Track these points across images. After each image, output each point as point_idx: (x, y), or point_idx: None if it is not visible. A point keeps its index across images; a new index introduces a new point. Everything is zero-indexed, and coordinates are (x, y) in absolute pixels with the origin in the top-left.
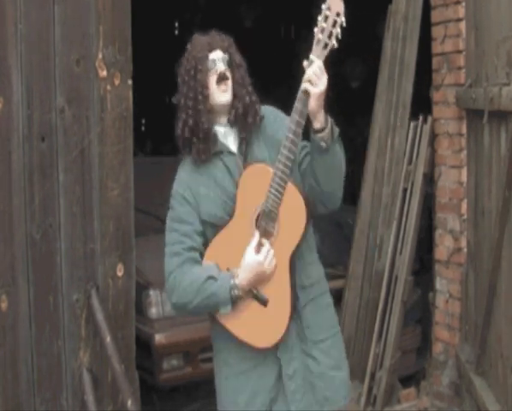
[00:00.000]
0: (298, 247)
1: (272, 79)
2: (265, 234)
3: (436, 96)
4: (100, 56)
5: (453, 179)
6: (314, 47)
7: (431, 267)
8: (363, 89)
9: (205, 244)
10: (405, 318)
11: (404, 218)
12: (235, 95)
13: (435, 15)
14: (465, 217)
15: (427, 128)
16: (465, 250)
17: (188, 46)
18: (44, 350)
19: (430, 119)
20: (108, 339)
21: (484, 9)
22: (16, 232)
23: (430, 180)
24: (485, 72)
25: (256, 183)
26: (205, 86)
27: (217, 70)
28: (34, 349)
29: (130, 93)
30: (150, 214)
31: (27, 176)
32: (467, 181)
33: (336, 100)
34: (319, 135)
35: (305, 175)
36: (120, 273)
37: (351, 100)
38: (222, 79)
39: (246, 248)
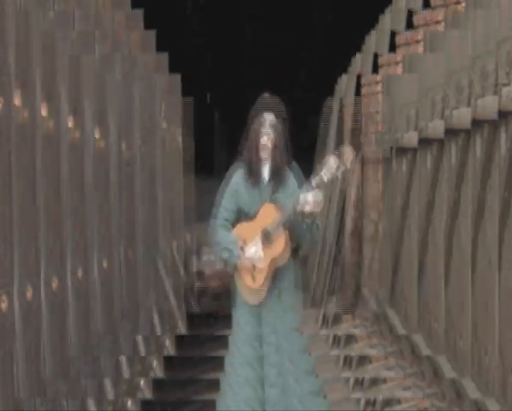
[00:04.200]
0: (276, 258)
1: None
2: (265, 240)
3: None
4: None
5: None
6: (318, 178)
7: None
8: None
9: (238, 220)
10: None
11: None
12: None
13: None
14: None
15: None
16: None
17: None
18: None
19: None
20: None
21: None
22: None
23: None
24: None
25: (270, 213)
26: (257, 140)
27: (264, 127)
28: None
29: None
30: None
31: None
32: None
33: None
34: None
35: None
36: None
37: None
38: (265, 136)
39: (251, 240)
